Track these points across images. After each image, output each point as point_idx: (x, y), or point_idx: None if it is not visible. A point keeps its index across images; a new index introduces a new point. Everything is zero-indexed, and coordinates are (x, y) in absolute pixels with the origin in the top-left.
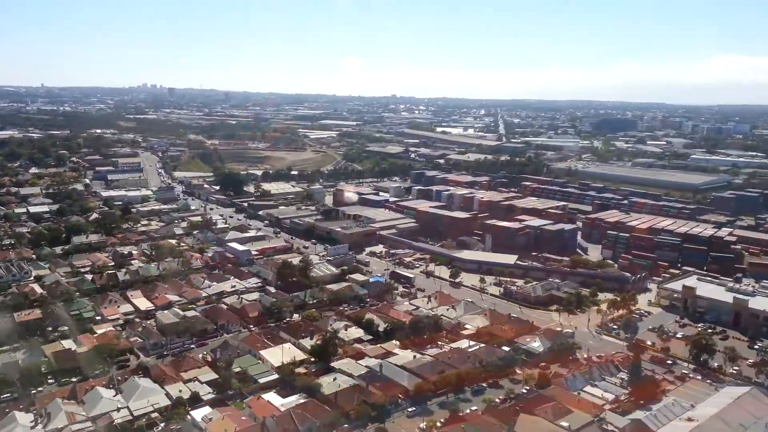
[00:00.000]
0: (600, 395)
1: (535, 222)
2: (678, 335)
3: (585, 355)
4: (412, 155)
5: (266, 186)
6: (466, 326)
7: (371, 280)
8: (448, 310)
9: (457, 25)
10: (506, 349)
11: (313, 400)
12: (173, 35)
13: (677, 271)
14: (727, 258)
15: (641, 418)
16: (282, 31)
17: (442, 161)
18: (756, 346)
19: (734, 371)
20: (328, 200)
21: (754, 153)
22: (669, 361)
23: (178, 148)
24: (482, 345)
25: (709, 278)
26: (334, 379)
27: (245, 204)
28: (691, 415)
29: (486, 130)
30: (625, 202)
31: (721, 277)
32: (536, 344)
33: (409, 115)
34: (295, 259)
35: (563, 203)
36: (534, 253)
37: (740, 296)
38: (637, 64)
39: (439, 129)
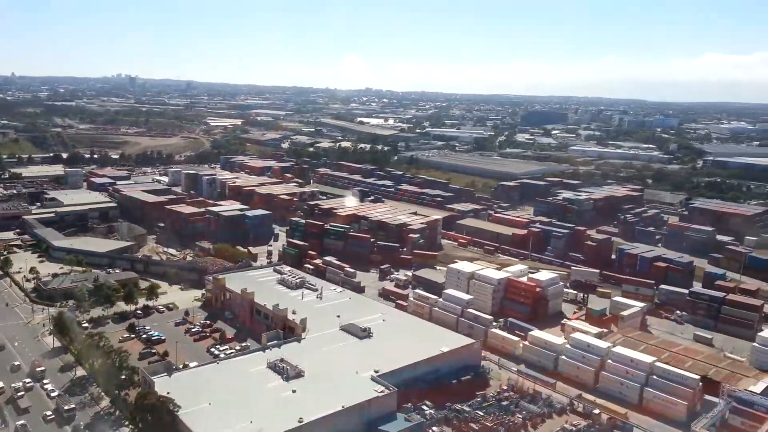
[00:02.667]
0: None
1: (230, 208)
2: None
3: None
4: (285, 143)
5: (28, 169)
6: None
7: None
8: None
9: (443, 17)
10: None
11: None
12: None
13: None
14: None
15: None
16: (283, 24)
17: (311, 149)
18: None
19: None
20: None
21: (647, 145)
22: None
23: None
24: None
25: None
26: None
27: None
28: None
29: (413, 122)
30: (392, 189)
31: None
32: None
33: (360, 107)
34: None
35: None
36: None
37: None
38: (628, 62)
39: (359, 120)
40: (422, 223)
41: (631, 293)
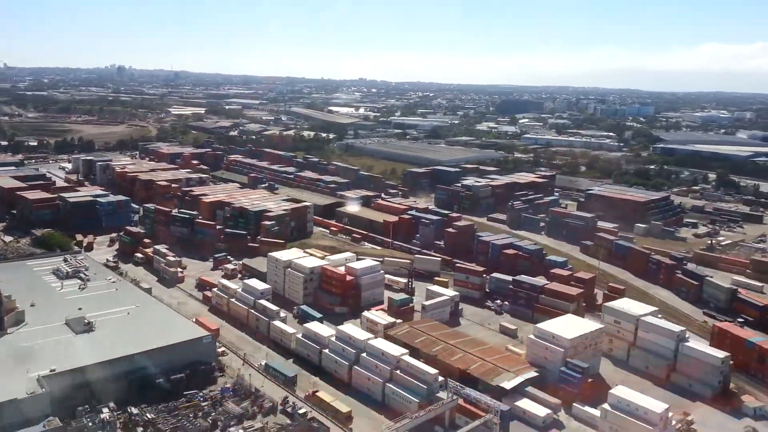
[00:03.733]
0: None
1: (85, 194)
2: None
3: None
4: (234, 131)
5: None
6: None
7: None
8: None
9: (444, 7)
10: None
11: None
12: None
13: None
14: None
15: None
16: (283, 14)
17: (255, 136)
18: None
19: None
20: None
21: (606, 133)
22: None
23: None
24: None
25: None
26: None
27: None
28: None
29: (383, 111)
30: (291, 176)
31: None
32: None
33: (343, 96)
34: None
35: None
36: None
37: None
38: (628, 53)
39: (328, 109)
40: (285, 210)
41: (462, 282)
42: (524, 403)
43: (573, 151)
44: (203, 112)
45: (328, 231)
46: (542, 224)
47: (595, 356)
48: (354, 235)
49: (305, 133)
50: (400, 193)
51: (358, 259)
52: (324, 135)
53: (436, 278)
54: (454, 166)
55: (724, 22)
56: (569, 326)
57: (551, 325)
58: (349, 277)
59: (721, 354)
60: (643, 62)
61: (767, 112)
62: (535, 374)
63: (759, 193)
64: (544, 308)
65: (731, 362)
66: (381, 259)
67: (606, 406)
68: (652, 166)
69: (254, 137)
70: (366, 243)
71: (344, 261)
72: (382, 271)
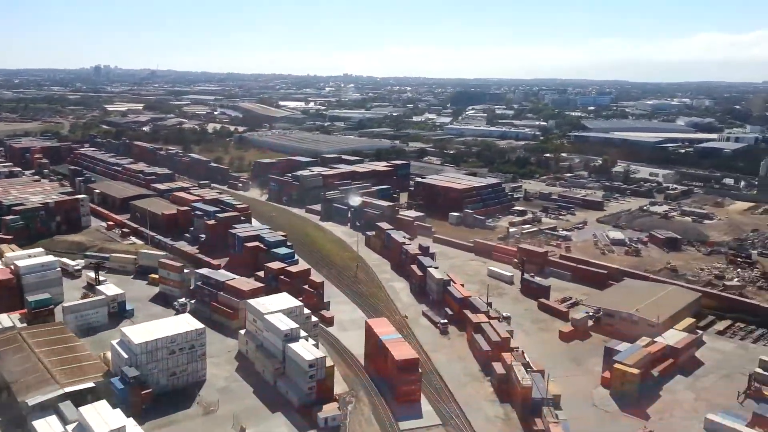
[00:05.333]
0: None
1: None
2: None
3: None
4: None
5: None
6: None
7: None
8: None
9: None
10: None
11: None
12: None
13: None
14: None
15: None
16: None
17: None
18: None
19: None
20: None
21: (539, 123)
22: None
23: None
24: None
25: None
26: None
27: None
28: None
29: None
30: (120, 169)
31: None
32: None
33: (310, 92)
34: None
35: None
36: None
37: None
38: (624, 44)
39: (278, 103)
40: (41, 203)
41: (163, 278)
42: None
43: (467, 141)
44: (141, 108)
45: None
46: (349, 215)
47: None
48: (123, 230)
49: (211, 126)
50: (240, 185)
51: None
52: (233, 128)
53: (152, 276)
54: (316, 157)
55: (722, 11)
56: (158, 328)
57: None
58: (3, 276)
59: (311, 356)
60: (637, 54)
61: (737, 100)
62: (92, 386)
63: (629, 179)
64: (219, 308)
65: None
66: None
67: None
68: (548, 155)
69: (165, 131)
70: (133, 238)
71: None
72: (58, 269)
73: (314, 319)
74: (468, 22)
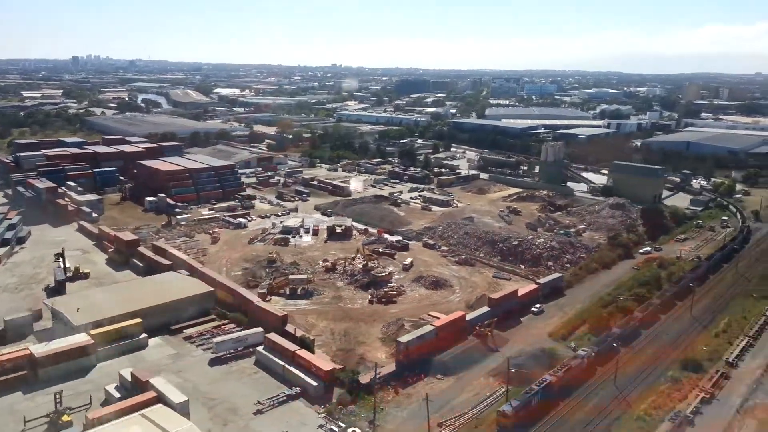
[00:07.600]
0: None
1: None
2: None
3: None
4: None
5: None
6: None
7: None
8: None
9: None
10: None
11: None
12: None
13: None
14: None
15: None
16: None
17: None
18: None
19: None
20: None
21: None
22: None
23: None
24: None
25: None
26: None
27: None
28: None
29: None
30: None
31: None
32: None
33: (285, 81)
34: None
35: None
36: None
37: None
38: (629, 36)
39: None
40: None
41: None
42: None
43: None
44: (59, 93)
45: None
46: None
47: None
48: None
49: (101, 111)
50: None
51: None
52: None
53: None
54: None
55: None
56: None
57: None
58: None
59: None
60: (644, 46)
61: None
62: None
63: (428, 165)
64: None
65: None
66: None
67: None
68: (405, 140)
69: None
70: None
71: None
72: None
73: None
74: (470, 16)
